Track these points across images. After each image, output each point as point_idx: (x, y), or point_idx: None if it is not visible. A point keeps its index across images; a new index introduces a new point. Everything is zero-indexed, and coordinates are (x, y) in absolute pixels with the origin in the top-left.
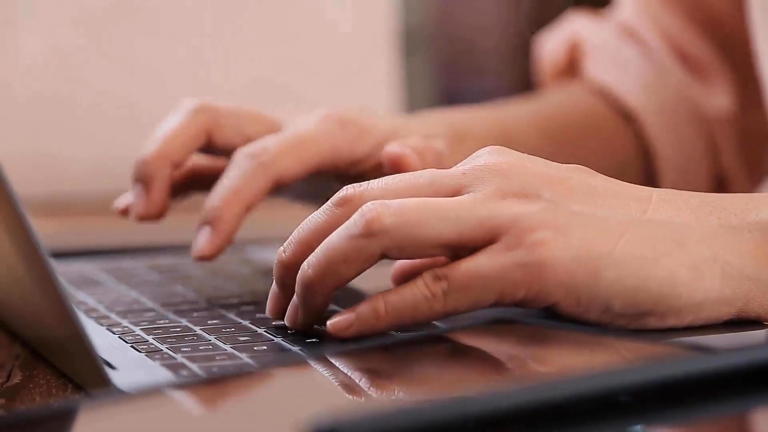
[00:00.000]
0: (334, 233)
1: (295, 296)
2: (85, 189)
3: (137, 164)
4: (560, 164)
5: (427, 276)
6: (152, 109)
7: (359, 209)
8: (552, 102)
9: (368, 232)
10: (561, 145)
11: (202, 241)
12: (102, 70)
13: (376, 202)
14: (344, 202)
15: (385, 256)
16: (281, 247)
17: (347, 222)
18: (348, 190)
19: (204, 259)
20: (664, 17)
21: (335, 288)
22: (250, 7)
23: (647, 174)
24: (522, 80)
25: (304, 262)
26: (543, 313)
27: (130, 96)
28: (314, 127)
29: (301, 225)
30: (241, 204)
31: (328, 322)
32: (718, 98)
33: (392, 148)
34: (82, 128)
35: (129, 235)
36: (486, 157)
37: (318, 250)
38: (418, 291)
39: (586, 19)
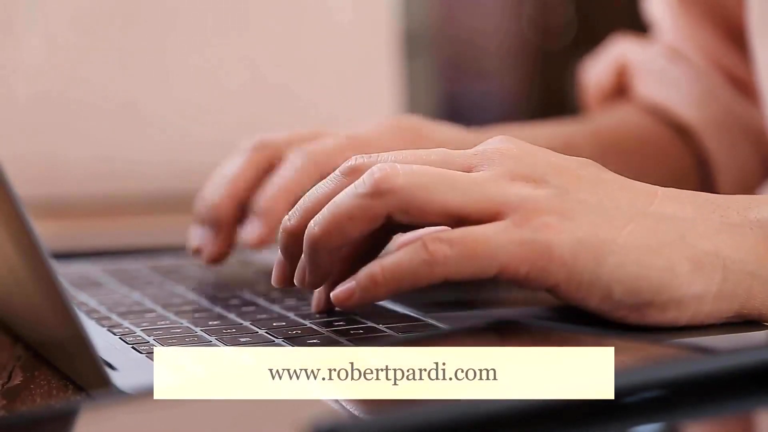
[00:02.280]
0: (342, 192)
1: (302, 256)
2: (86, 190)
3: (207, 208)
4: (571, 156)
5: (429, 238)
6: (153, 109)
7: (369, 170)
8: (606, 119)
9: (376, 191)
10: (617, 158)
11: (251, 231)
12: (103, 71)
13: (386, 164)
14: (352, 171)
15: (390, 217)
16: (286, 216)
17: (356, 181)
18: (357, 159)
19: (254, 246)
20: (705, 38)
21: (340, 246)
22: (251, 9)
23: (704, 186)
24: (523, 82)
25: (311, 221)
26: (544, 314)
27: (131, 96)
28: (370, 130)
29: (307, 193)
30: (291, 197)
31: (332, 294)
32: (761, 113)
33: None
34: (84, 129)
35: (130, 237)
36: (497, 143)
37: (325, 208)
38: (416, 255)
39: (631, 42)
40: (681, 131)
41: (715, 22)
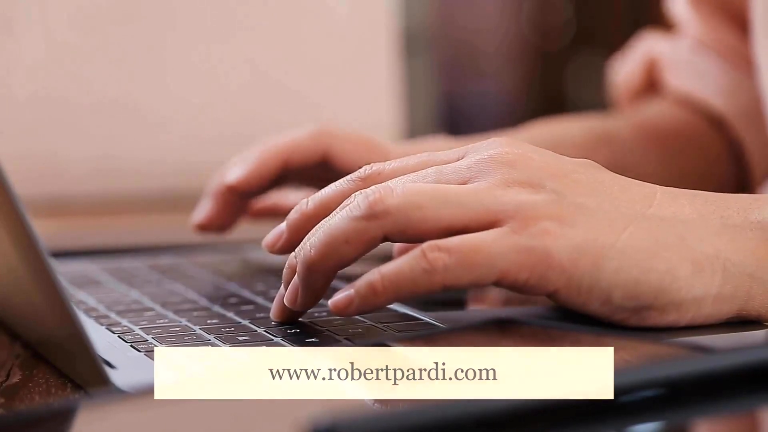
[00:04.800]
0: (337, 215)
1: (296, 277)
2: (85, 189)
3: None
4: (568, 158)
5: (428, 247)
6: (153, 108)
7: (363, 191)
8: (642, 113)
9: (370, 214)
10: (659, 149)
11: None
12: (102, 70)
13: (380, 185)
14: (364, 179)
15: (387, 238)
16: (303, 201)
17: (351, 204)
18: (367, 169)
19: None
20: (722, 32)
21: (336, 269)
22: (251, 8)
23: (736, 174)
24: (522, 83)
25: (308, 243)
26: (544, 313)
27: (130, 95)
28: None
29: (326, 187)
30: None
31: (330, 301)
32: None
33: None
34: (83, 128)
35: (129, 235)
36: (491, 148)
37: (321, 231)
38: (416, 264)
39: (658, 38)
40: (713, 121)
41: (729, 17)
